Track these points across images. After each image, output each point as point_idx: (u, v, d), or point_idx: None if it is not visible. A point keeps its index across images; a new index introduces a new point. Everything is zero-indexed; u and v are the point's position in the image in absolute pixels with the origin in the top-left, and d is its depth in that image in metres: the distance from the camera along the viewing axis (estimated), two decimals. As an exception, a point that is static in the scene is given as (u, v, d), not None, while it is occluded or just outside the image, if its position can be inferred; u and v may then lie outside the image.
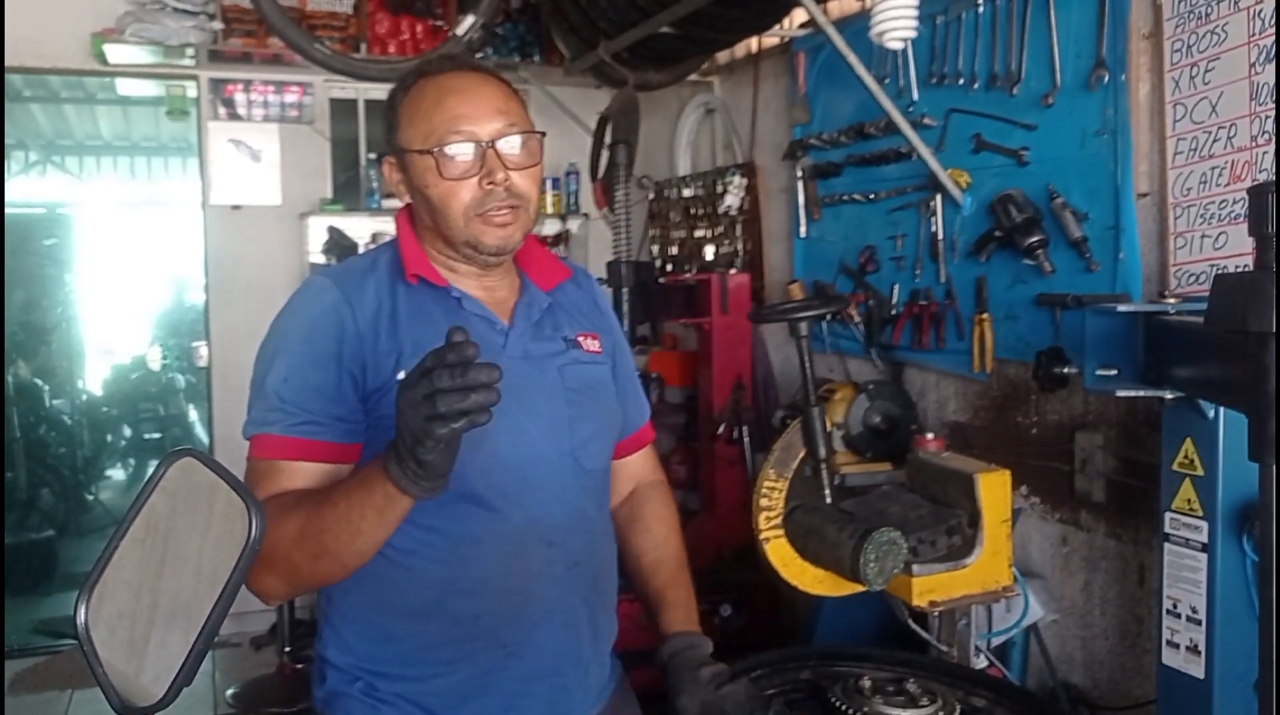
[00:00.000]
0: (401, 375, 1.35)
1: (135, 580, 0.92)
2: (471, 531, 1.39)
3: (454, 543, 1.38)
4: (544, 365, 1.47)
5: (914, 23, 2.67)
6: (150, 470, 1.03)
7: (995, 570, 2.11)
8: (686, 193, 4.64)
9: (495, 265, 1.46)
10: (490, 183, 1.37)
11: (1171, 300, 2.08)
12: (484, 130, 1.38)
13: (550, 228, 5.34)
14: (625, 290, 3.77)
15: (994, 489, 2.09)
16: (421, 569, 1.39)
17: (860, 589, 1.96)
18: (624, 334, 1.71)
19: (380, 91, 5.13)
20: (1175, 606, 2.02)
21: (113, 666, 0.89)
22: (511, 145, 1.39)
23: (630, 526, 1.69)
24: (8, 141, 8.08)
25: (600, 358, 1.56)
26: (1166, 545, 2.03)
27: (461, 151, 1.37)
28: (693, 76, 4.46)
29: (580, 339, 1.54)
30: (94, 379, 8.88)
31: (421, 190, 1.40)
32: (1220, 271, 2.22)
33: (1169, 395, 1.98)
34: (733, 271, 4.09)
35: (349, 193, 5.08)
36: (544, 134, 1.44)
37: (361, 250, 4.72)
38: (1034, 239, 2.69)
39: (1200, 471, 1.95)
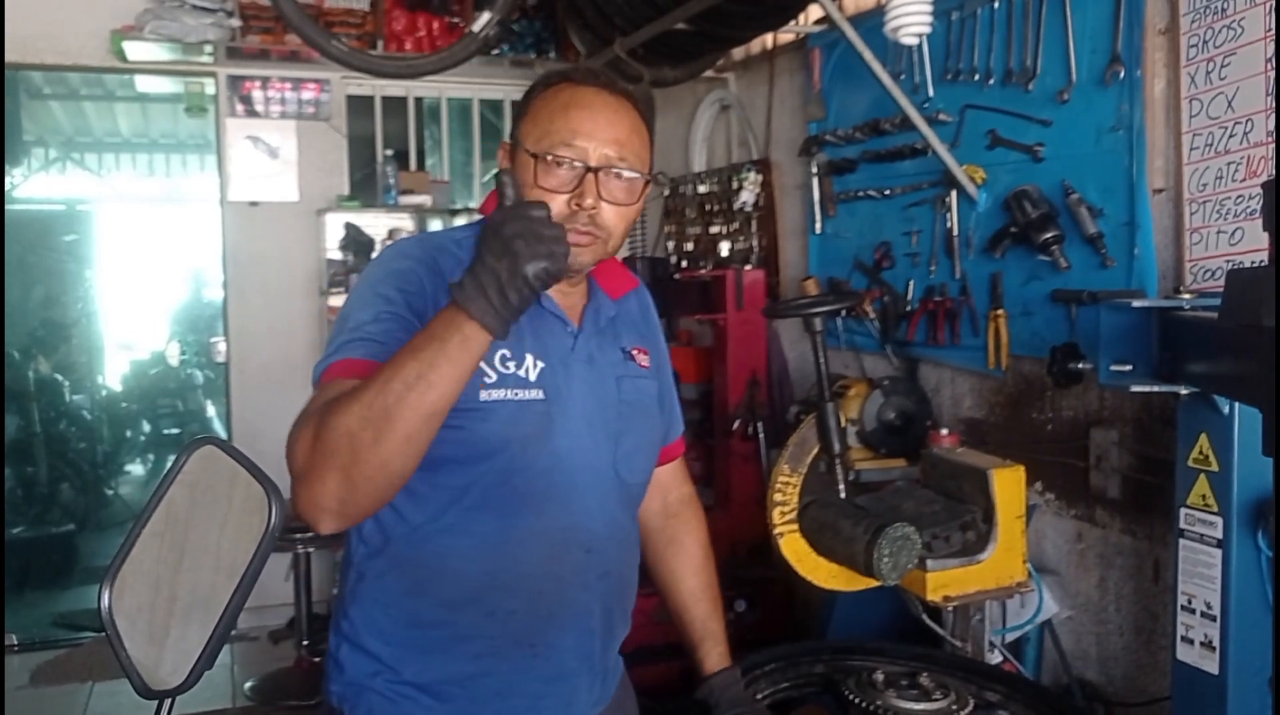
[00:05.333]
0: None
1: (155, 571, 0.93)
2: (518, 529, 1.39)
3: (501, 538, 1.39)
4: (604, 374, 1.49)
5: (928, 18, 2.67)
6: (170, 463, 1.03)
7: (1010, 566, 2.11)
8: (702, 189, 4.64)
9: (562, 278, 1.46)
10: (578, 204, 1.37)
11: (1186, 296, 2.08)
12: (594, 154, 1.37)
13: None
14: (640, 286, 3.78)
15: (1008, 485, 2.09)
16: (463, 560, 1.39)
17: (874, 584, 1.96)
18: (667, 346, 1.71)
19: (397, 88, 5.17)
20: (1190, 602, 2.02)
21: (135, 652, 0.91)
22: (614, 178, 1.39)
23: (668, 546, 1.73)
24: (28, 138, 8.15)
25: (649, 373, 1.57)
26: (1181, 541, 2.03)
27: (565, 166, 1.37)
28: (708, 73, 4.45)
29: (635, 353, 1.55)
30: (113, 374, 8.96)
31: (518, 186, 1.40)
32: (1235, 267, 2.23)
33: (1184, 391, 1.97)
34: (748, 267, 4.09)
35: (366, 189, 5.10)
36: (650, 181, 1.44)
37: (378, 246, 4.76)
38: (1049, 235, 2.68)
39: (1215, 467, 1.95)
